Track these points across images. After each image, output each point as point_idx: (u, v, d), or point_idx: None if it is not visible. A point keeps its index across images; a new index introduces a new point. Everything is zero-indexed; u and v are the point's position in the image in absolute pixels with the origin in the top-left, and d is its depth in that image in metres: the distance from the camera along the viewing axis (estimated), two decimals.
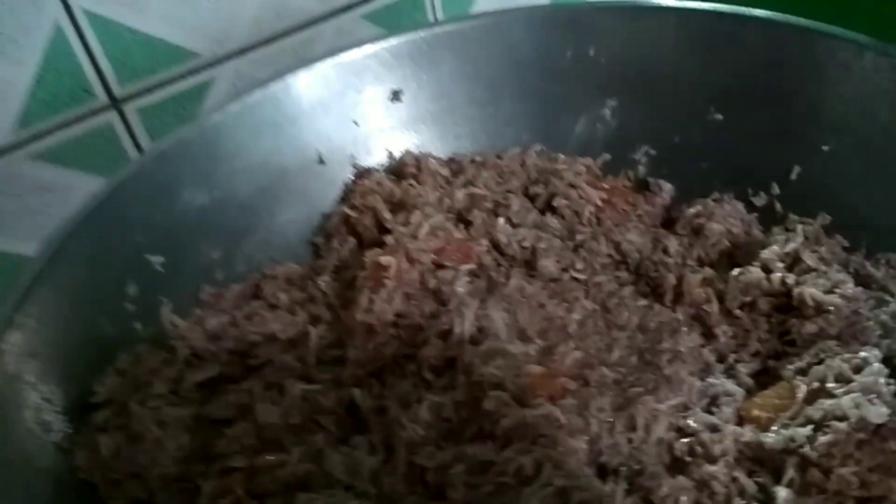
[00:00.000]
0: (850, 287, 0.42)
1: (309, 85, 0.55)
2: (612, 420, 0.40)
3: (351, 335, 0.44)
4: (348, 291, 0.47)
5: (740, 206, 0.52)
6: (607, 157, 0.58)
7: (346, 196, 0.56)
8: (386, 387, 0.43)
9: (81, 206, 0.47)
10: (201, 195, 0.52)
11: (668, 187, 0.55)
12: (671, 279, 0.47)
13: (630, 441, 0.39)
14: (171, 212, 0.50)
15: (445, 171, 0.56)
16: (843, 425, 0.35)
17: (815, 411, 0.37)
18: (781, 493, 0.34)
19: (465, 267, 0.46)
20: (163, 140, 0.51)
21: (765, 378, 0.42)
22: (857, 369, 0.38)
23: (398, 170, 0.56)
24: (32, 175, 0.61)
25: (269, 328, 0.46)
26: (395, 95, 0.58)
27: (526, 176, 0.54)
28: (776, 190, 0.53)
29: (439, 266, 0.46)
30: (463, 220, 0.50)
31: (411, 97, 0.58)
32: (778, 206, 0.53)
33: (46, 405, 0.41)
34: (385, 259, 0.45)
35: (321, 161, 0.57)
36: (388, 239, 0.48)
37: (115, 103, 0.63)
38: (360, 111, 0.58)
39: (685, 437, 0.39)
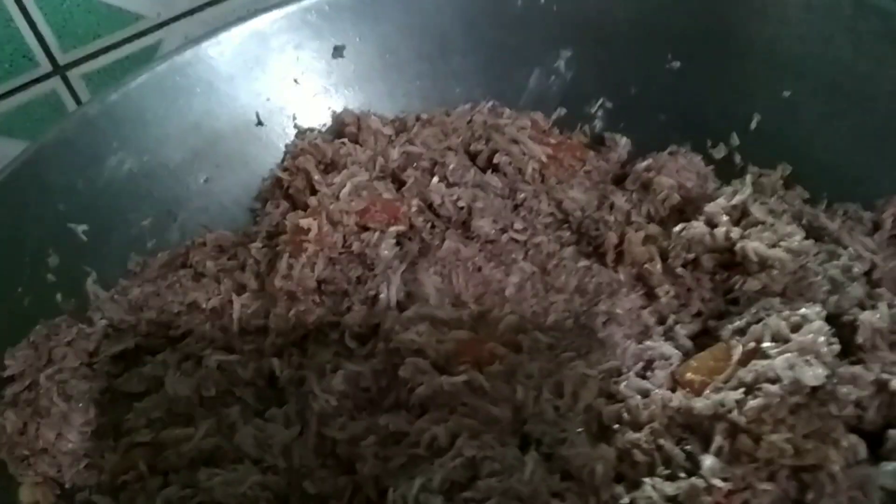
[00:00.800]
0: (797, 240, 0.39)
1: (243, 42, 0.53)
2: (539, 387, 0.37)
3: (273, 303, 0.42)
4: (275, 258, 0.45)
5: (698, 158, 0.49)
6: (562, 111, 0.55)
7: (284, 158, 0.53)
8: (307, 356, 0.41)
9: None
10: (129, 161, 0.50)
11: (623, 141, 0.52)
12: (613, 238, 0.44)
13: (557, 409, 0.36)
14: (96, 179, 0.48)
15: (388, 130, 0.53)
16: (775, 388, 0.32)
17: (747, 373, 0.34)
18: (707, 461, 0.32)
19: (393, 229, 0.43)
20: (86, 104, 0.49)
21: (705, 340, 0.39)
22: (796, 327, 0.35)
23: (337, 129, 0.54)
24: None
25: (191, 297, 0.44)
26: (338, 51, 0.55)
27: (470, 133, 0.51)
28: (735, 141, 0.50)
29: (364, 228, 0.43)
30: (397, 179, 0.48)
31: (355, 53, 0.55)
32: (738, 157, 0.50)
33: None
34: (305, 222, 0.43)
35: (259, 122, 0.54)
36: (311, 200, 0.45)
37: (59, 70, 0.61)
38: (300, 69, 0.55)
39: (615, 403, 0.36)
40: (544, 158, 0.48)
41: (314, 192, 0.48)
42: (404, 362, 0.37)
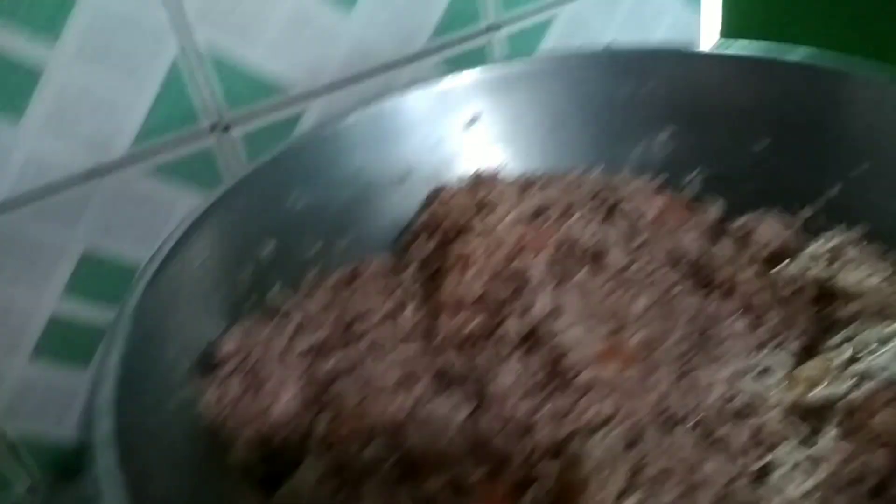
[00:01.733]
0: (887, 272, 0.47)
1: (399, 108, 0.63)
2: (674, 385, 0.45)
3: (440, 310, 0.50)
4: (436, 279, 0.54)
5: (788, 216, 0.58)
6: (662, 178, 0.64)
7: (428, 204, 0.63)
8: (471, 352, 0.48)
9: (209, 197, 0.54)
10: (305, 197, 0.59)
11: (719, 202, 0.61)
12: (723, 274, 0.52)
13: (694, 398, 0.44)
14: (281, 207, 0.58)
15: (515, 187, 0.63)
16: (885, 374, 0.40)
17: (852, 374, 0.42)
18: (830, 432, 0.39)
19: (543, 253, 0.52)
20: (280, 145, 0.59)
21: (806, 357, 0.47)
22: (888, 338, 0.43)
23: (474, 184, 0.63)
24: (142, 188, 0.69)
25: (367, 305, 0.53)
26: (473, 120, 0.66)
27: (591, 187, 0.60)
28: (820, 203, 0.59)
29: (520, 250, 0.52)
30: (537, 217, 0.57)
31: (488, 122, 0.66)
32: (822, 218, 0.58)
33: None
34: (470, 247, 0.52)
35: (405, 178, 0.64)
36: (470, 234, 0.54)
37: (221, 127, 0.72)
38: (442, 133, 0.65)
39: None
40: (658, 209, 0.57)
41: (462, 229, 0.57)
42: (566, 355, 0.45)
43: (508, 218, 0.54)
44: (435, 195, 0.63)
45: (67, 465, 0.74)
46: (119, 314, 0.45)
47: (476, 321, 0.50)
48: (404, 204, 0.64)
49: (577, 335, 0.47)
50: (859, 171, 0.57)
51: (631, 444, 0.40)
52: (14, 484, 0.72)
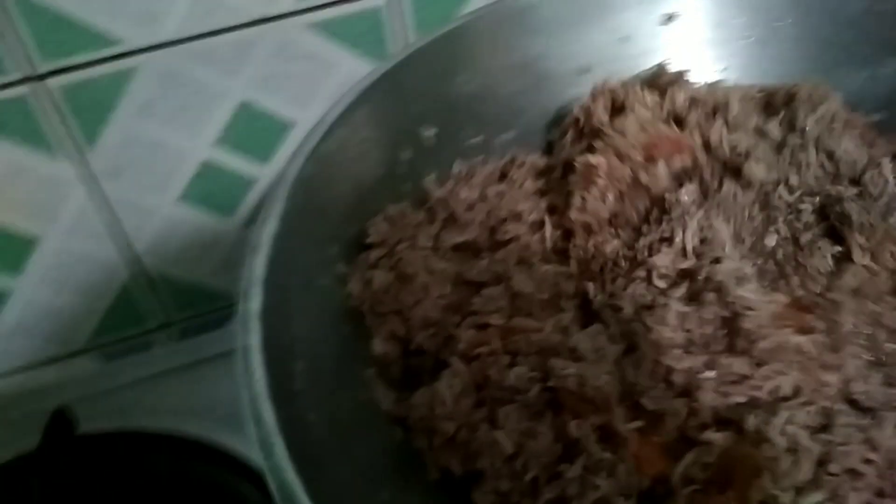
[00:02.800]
0: None
1: None
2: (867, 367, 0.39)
3: (571, 233, 0.46)
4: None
5: None
6: (879, 116, 0.56)
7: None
8: (614, 286, 0.44)
9: (377, 68, 0.50)
10: (473, 82, 0.54)
11: None
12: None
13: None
14: (445, 92, 0.53)
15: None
16: None
17: None
18: None
19: (678, 160, 0.46)
20: (449, 22, 0.54)
21: None
22: None
23: (653, 80, 0.57)
24: (305, 43, 0.66)
25: (515, 208, 0.49)
26: (669, 18, 0.58)
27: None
28: None
29: (650, 160, 0.46)
30: (680, 121, 0.51)
31: (685, 22, 0.58)
32: None
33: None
34: (594, 159, 0.46)
35: (585, 72, 0.58)
36: (598, 144, 0.49)
37: None
38: (631, 28, 0.58)
39: None
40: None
41: (599, 134, 0.51)
42: (744, 315, 0.40)
43: (638, 120, 0.48)
44: (600, 89, 0.57)
45: (202, 307, 0.76)
46: (279, 181, 0.43)
47: (610, 247, 0.45)
48: (580, 102, 0.58)
49: (752, 289, 0.41)
50: None
51: (820, 428, 0.35)
52: (148, 319, 0.75)
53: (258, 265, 0.38)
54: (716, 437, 0.36)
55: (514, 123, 0.56)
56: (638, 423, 0.38)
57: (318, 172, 0.45)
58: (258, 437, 0.32)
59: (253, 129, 0.68)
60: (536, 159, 0.55)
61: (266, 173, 0.70)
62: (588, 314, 0.45)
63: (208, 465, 0.53)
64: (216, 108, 0.66)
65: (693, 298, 0.43)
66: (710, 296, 0.42)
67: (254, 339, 0.35)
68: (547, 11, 0.56)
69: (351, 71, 0.67)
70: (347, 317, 0.44)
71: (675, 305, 0.42)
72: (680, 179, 0.47)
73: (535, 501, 0.36)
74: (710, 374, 0.39)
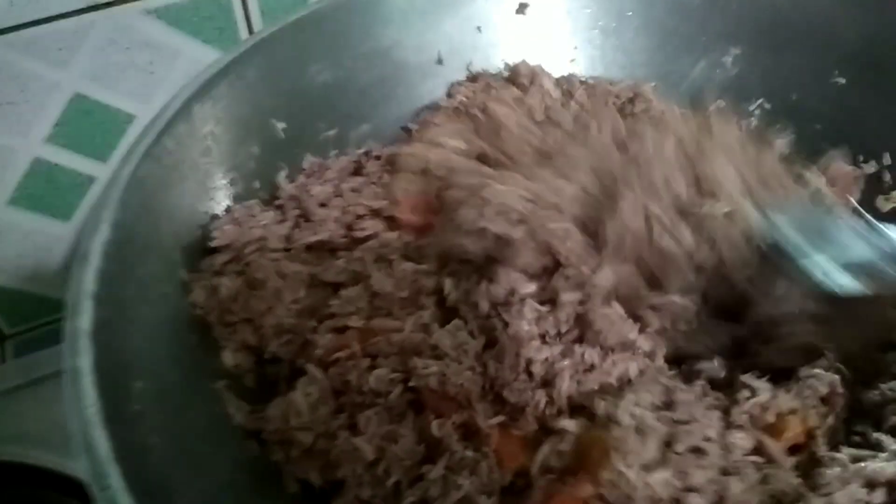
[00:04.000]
0: None
1: None
2: None
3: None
4: None
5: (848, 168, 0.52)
6: (721, 103, 0.58)
7: (451, 94, 0.56)
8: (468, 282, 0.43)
9: (222, 56, 0.47)
10: (326, 72, 0.52)
11: (779, 142, 0.55)
12: None
13: None
14: (297, 83, 0.51)
15: (556, 94, 0.56)
16: None
17: None
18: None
19: None
20: (298, 10, 0.52)
21: None
22: None
23: (512, 78, 0.57)
24: (143, 30, 0.62)
25: (374, 203, 0.47)
26: (521, 8, 0.58)
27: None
28: (887, 160, 0.53)
29: None
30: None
31: (537, 12, 0.58)
32: (887, 176, 0.53)
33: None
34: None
35: (439, 61, 0.57)
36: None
37: None
38: (484, 18, 0.58)
39: None
40: None
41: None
42: (599, 312, 0.40)
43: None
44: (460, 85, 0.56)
45: (37, 320, 0.70)
46: (111, 183, 0.40)
47: (430, 240, 0.45)
48: (430, 93, 0.57)
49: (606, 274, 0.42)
50: None
51: (664, 406, 0.36)
52: None
53: (87, 278, 0.35)
54: (570, 424, 0.36)
55: (370, 115, 0.55)
56: (499, 419, 0.37)
57: (156, 172, 0.42)
58: (90, 468, 0.29)
59: (89, 125, 0.63)
60: (391, 151, 0.53)
61: (105, 172, 0.65)
62: (446, 314, 0.44)
63: (45, 491, 0.48)
64: (47, 103, 0.61)
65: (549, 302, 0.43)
66: (566, 297, 0.42)
67: (83, 360, 0.32)
68: (400, 0, 0.55)
69: (195, 60, 0.63)
70: (192, 327, 0.41)
71: (534, 305, 0.42)
72: None
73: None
74: (566, 363, 0.39)
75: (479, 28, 0.58)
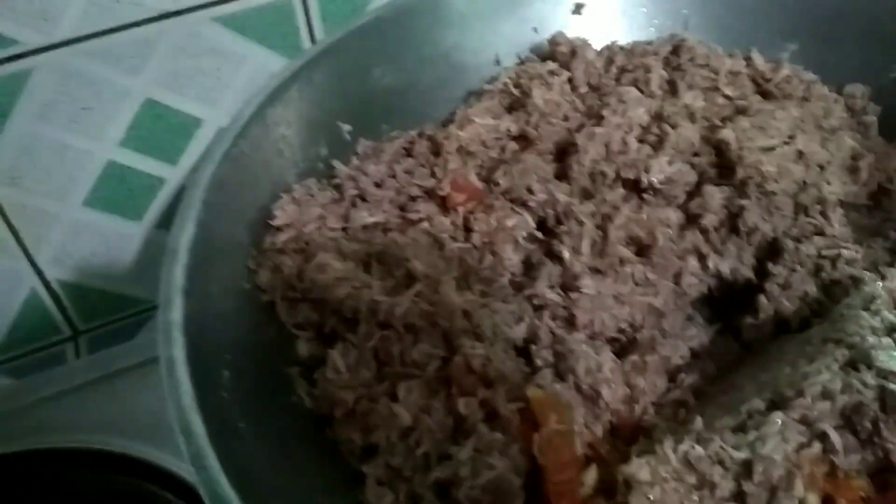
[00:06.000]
0: None
1: None
2: None
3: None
4: None
5: None
6: None
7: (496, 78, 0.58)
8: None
9: (291, 63, 0.49)
10: (389, 75, 0.54)
11: None
12: None
13: None
14: (362, 86, 0.53)
15: (600, 63, 0.57)
16: None
17: None
18: None
19: None
20: (361, 16, 0.54)
21: None
22: None
23: (550, 52, 0.58)
24: (211, 37, 0.64)
25: (427, 183, 0.50)
26: (578, 8, 0.59)
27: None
28: None
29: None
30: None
31: (593, 12, 0.59)
32: None
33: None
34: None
35: (497, 62, 0.59)
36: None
37: None
38: (541, 19, 0.59)
39: None
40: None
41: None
42: None
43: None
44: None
45: (111, 316, 0.73)
46: (193, 184, 0.42)
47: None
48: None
49: None
50: None
51: None
52: (55, 332, 0.71)
53: (177, 273, 0.37)
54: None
55: (432, 116, 0.57)
56: (519, 404, 0.39)
57: (233, 174, 0.44)
58: (188, 451, 0.31)
59: (159, 129, 0.65)
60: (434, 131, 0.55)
61: (174, 174, 0.68)
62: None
63: (132, 477, 0.51)
64: (120, 108, 0.63)
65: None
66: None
67: (177, 350, 0.34)
68: (459, 4, 0.56)
69: (260, 65, 0.65)
70: (270, 321, 0.43)
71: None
72: None
73: (426, 477, 0.37)
74: None
75: (535, 29, 0.59)
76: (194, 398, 0.33)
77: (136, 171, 0.67)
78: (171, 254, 0.38)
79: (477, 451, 0.36)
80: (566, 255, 0.45)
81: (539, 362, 0.42)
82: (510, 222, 0.47)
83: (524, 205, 0.49)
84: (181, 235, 0.39)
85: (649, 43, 0.58)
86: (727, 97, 0.53)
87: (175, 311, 0.36)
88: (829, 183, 0.47)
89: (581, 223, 0.46)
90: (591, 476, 0.36)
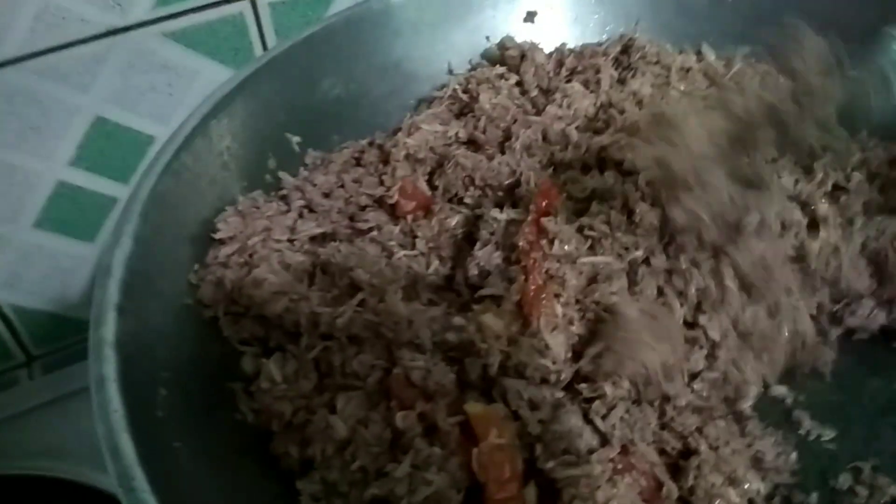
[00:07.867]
0: None
1: None
2: None
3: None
4: None
5: None
6: None
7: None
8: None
9: (237, 74, 0.49)
10: (339, 86, 0.54)
11: None
12: None
13: None
14: (311, 97, 0.52)
15: (550, 66, 0.57)
16: None
17: None
18: None
19: None
20: (310, 26, 0.53)
21: None
22: None
23: (500, 56, 0.58)
24: (161, 53, 0.63)
25: (376, 192, 0.49)
26: (530, 16, 0.59)
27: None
28: None
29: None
30: None
31: (546, 20, 0.59)
32: None
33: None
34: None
35: (450, 71, 0.58)
36: None
37: None
38: (493, 28, 0.59)
39: None
40: None
41: None
42: None
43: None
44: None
45: (65, 340, 0.71)
46: (132, 198, 0.41)
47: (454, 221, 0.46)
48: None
49: None
50: None
51: None
52: (6, 357, 0.69)
53: (111, 289, 0.36)
54: None
55: (383, 126, 0.56)
56: (459, 418, 0.37)
57: (175, 187, 0.43)
58: (115, 471, 0.30)
59: (110, 147, 0.64)
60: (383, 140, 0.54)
61: (127, 193, 0.66)
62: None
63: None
64: (69, 126, 0.62)
65: None
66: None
67: (108, 368, 0.33)
68: (409, 13, 0.56)
69: (213, 81, 0.64)
70: (214, 338, 0.42)
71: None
72: None
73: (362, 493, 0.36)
74: None
75: (487, 38, 0.59)
76: (124, 417, 0.31)
77: (88, 190, 0.65)
78: (103, 270, 0.36)
79: (414, 467, 0.35)
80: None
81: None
82: (451, 222, 0.46)
83: (461, 202, 0.48)
84: (116, 250, 0.37)
85: (599, 44, 0.58)
86: (680, 92, 0.53)
87: (107, 329, 0.34)
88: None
89: None
90: (531, 493, 0.34)
